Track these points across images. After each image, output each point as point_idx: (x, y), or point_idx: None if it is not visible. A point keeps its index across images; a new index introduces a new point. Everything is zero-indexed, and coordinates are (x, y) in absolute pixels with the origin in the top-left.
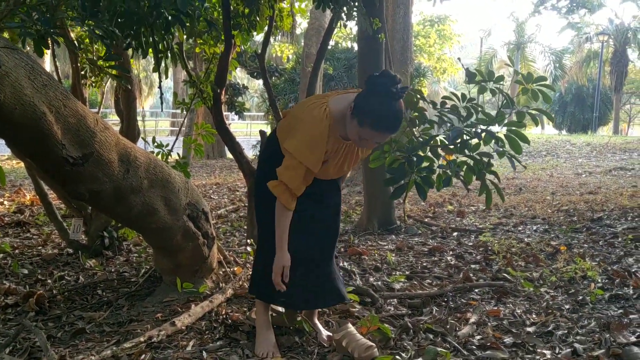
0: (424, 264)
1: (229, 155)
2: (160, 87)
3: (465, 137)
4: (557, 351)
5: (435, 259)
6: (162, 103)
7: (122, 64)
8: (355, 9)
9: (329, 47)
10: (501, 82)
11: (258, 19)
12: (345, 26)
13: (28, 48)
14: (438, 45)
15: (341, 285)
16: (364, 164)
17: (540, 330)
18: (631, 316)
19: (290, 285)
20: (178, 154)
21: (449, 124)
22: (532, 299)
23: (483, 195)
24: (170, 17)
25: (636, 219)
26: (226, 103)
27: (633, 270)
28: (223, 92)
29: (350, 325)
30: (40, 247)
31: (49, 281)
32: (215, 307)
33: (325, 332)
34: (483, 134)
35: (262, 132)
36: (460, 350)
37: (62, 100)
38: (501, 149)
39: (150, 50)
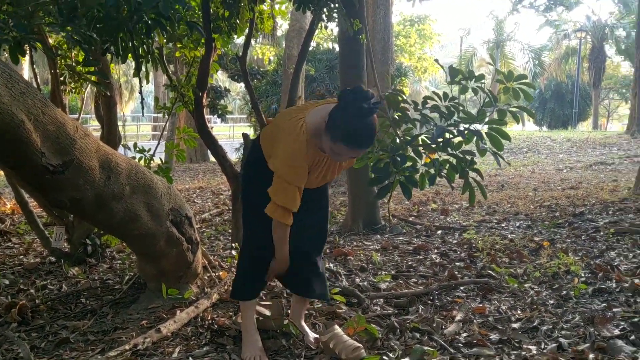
0: (409, 263)
1: (212, 158)
2: (141, 91)
3: (447, 135)
4: (542, 346)
5: (421, 257)
6: (143, 108)
7: (101, 70)
8: (335, 10)
9: (311, 49)
10: (482, 81)
11: (238, 21)
12: (326, 27)
13: (6, 55)
14: (418, 45)
15: (318, 284)
16: None
17: (526, 326)
18: (615, 309)
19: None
20: (160, 159)
21: (431, 123)
22: (516, 295)
23: (466, 193)
24: (150, 22)
25: (617, 213)
26: (208, 106)
27: (615, 263)
28: (205, 96)
29: (337, 326)
30: (21, 256)
31: (32, 291)
32: (201, 312)
33: (312, 335)
34: (466, 132)
35: (245, 135)
36: (447, 348)
37: (40, 108)
38: (485, 147)
39: (130, 54)
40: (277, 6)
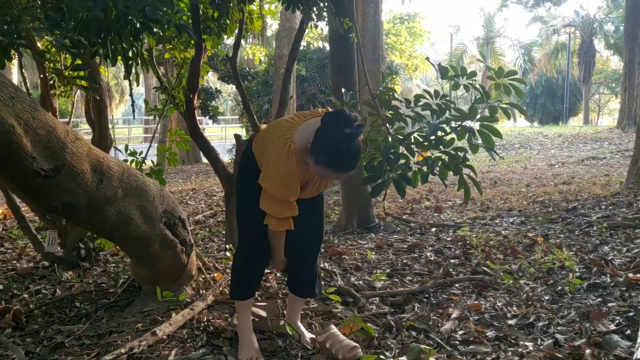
0: (404, 261)
1: (205, 160)
2: (131, 94)
3: (440, 133)
4: (539, 342)
5: (415, 255)
6: (134, 111)
7: (91, 73)
8: (325, 9)
9: (301, 48)
10: (474, 78)
11: (228, 22)
12: (316, 27)
13: None
14: (409, 43)
15: (314, 284)
16: None
17: (522, 322)
18: (610, 304)
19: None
20: (152, 161)
21: (423, 121)
22: (512, 291)
23: (460, 191)
24: (138, 25)
25: (610, 207)
26: (199, 107)
27: (609, 258)
28: (196, 97)
29: (333, 326)
30: (15, 262)
31: (25, 296)
32: (196, 314)
33: (308, 335)
34: (458, 129)
35: (237, 136)
36: (443, 346)
37: (30, 112)
38: (477, 142)
39: (120, 57)
40: (266, 6)
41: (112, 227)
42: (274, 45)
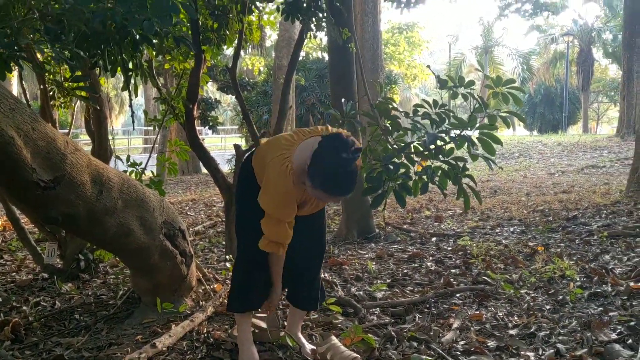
0: (405, 271)
1: (204, 170)
2: (131, 105)
3: (439, 142)
4: (540, 353)
5: (416, 265)
6: (133, 121)
7: (91, 84)
8: (324, 19)
9: (300, 58)
10: (472, 87)
11: (227, 33)
12: (315, 37)
13: None
14: (407, 52)
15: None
16: None
17: (523, 332)
18: (611, 314)
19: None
20: (152, 172)
21: (422, 131)
22: (513, 301)
23: (460, 200)
24: (138, 37)
25: (610, 216)
26: (199, 118)
27: (610, 267)
28: (195, 107)
29: (333, 337)
30: (14, 273)
31: (25, 308)
32: (196, 326)
33: (309, 346)
34: (457, 139)
35: (236, 146)
36: (445, 356)
37: (30, 124)
38: (477, 152)
39: (119, 68)
40: (265, 17)
41: (111, 238)
42: (273, 55)
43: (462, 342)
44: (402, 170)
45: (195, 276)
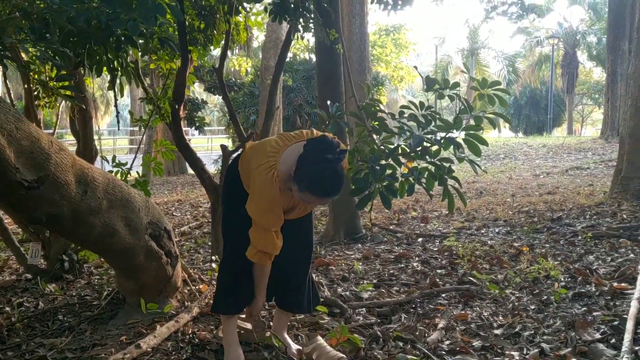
0: (391, 272)
1: (191, 171)
2: (116, 105)
3: (425, 144)
4: (525, 352)
5: (402, 265)
6: (118, 122)
7: (77, 84)
8: (311, 20)
9: (288, 59)
10: (458, 89)
11: (215, 33)
12: (302, 38)
13: None
14: (394, 54)
15: (304, 301)
16: None
17: (508, 332)
18: (595, 313)
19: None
20: (138, 172)
21: (408, 132)
22: (498, 301)
23: (445, 201)
24: (122, 37)
25: (594, 217)
26: (185, 118)
27: (594, 267)
28: (182, 108)
29: (319, 337)
30: None
31: (7, 309)
32: (182, 326)
33: (295, 346)
34: (442, 141)
35: (223, 147)
36: (430, 356)
37: (14, 123)
38: (462, 155)
39: (105, 68)
40: (252, 17)
41: (96, 238)
42: (260, 56)
43: (447, 342)
44: (388, 172)
45: (181, 277)
